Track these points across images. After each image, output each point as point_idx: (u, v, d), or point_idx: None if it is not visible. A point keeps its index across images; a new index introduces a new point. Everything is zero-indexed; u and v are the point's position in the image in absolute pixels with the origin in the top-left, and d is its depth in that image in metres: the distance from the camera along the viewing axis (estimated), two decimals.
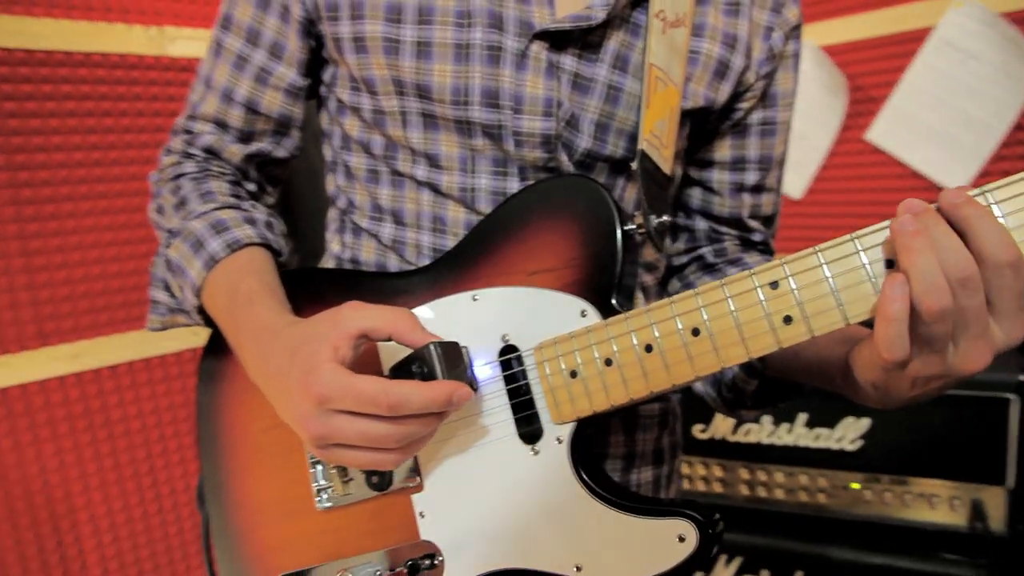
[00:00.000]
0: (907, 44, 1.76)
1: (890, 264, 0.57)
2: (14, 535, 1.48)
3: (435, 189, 0.81)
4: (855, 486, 1.45)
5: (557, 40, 0.75)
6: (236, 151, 0.87)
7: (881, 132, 1.85)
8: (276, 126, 0.88)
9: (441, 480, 0.75)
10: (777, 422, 1.51)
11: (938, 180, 1.77)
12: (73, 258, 1.53)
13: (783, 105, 0.87)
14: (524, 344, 0.72)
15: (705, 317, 0.63)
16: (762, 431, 1.53)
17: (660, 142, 0.77)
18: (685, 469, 1.61)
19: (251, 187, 0.91)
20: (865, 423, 1.43)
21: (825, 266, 0.59)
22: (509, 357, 0.72)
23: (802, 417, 1.48)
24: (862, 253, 0.58)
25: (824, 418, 1.47)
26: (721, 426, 1.57)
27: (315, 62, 0.87)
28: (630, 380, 0.67)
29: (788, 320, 0.60)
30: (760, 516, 1.53)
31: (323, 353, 0.62)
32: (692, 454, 1.60)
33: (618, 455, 0.86)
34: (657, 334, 0.65)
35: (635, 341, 0.66)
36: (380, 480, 0.76)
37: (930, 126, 1.77)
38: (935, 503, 1.39)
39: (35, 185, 1.49)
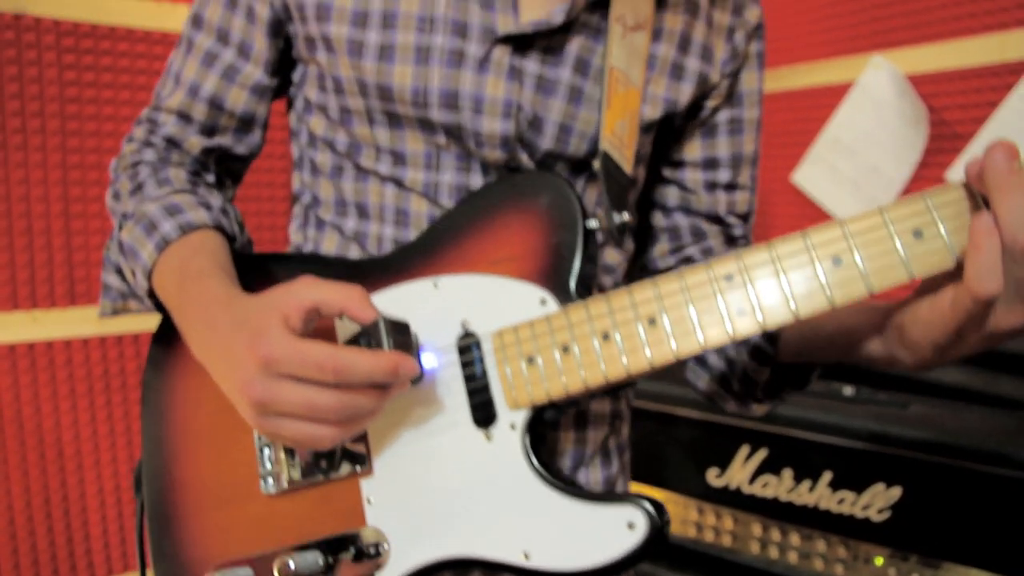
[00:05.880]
0: (1003, 77, 1.58)
1: (836, 262, 0.59)
2: (24, 482, 1.54)
3: (399, 184, 0.82)
4: (878, 561, 1.29)
5: (520, 44, 0.77)
6: (196, 142, 0.88)
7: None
8: (239, 123, 0.88)
9: (391, 465, 0.74)
10: (799, 478, 1.37)
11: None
12: (111, 224, 1.58)
13: (749, 103, 0.88)
14: (483, 330, 0.72)
15: (661, 307, 0.64)
16: (781, 485, 1.39)
17: (621, 142, 0.78)
18: (694, 515, 1.49)
19: (210, 179, 0.91)
20: (896, 493, 1.27)
21: (778, 261, 0.60)
22: (467, 343, 0.72)
23: (827, 476, 1.34)
24: (812, 249, 0.59)
25: (851, 480, 1.32)
26: (738, 474, 1.44)
27: (284, 62, 0.88)
28: (587, 367, 0.67)
29: (741, 313, 0.62)
30: None
31: (273, 319, 0.63)
32: (705, 500, 1.48)
33: (567, 452, 0.85)
34: (614, 322, 0.66)
35: (593, 329, 0.67)
36: (329, 464, 0.75)
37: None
38: None
39: (84, 151, 1.57)
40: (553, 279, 0.71)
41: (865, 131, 1.82)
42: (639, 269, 0.97)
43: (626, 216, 0.76)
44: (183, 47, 0.87)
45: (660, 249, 0.94)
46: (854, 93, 1.85)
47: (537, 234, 0.73)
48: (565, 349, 0.68)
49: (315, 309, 0.64)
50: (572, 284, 0.71)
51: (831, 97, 1.91)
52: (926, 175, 1.74)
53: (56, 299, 1.56)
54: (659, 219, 0.93)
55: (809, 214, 1.99)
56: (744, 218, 0.93)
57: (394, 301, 0.76)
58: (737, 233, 0.93)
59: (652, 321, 0.65)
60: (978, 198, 0.55)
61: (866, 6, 1.85)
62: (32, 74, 1.51)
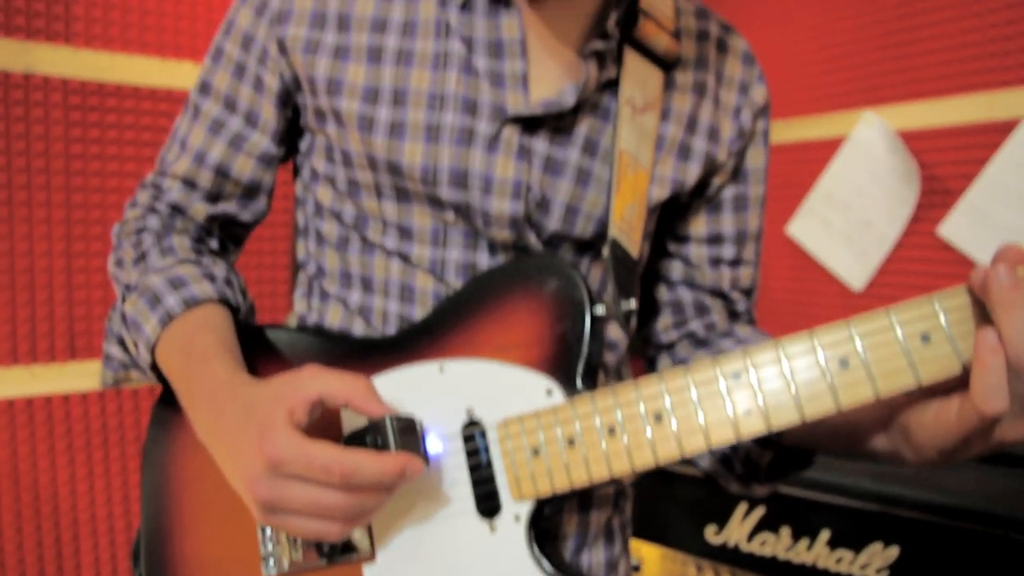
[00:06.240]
0: (991, 135, 1.61)
1: (844, 364, 0.58)
2: (17, 539, 1.53)
3: (404, 259, 0.82)
4: None
5: (529, 124, 0.77)
6: (201, 209, 0.88)
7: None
8: (244, 191, 0.88)
9: (394, 552, 0.73)
10: (797, 536, 1.36)
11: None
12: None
13: (754, 180, 0.88)
14: (488, 419, 0.72)
15: (668, 404, 0.64)
16: (779, 543, 1.38)
17: (629, 226, 0.78)
18: (692, 572, 1.48)
19: (214, 244, 0.91)
20: (894, 552, 1.27)
21: (785, 360, 0.60)
22: (472, 431, 0.72)
23: (825, 534, 1.33)
24: (819, 349, 0.59)
25: (849, 539, 1.31)
26: (736, 532, 1.43)
27: (292, 132, 0.88)
28: (592, 462, 0.67)
29: (748, 413, 0.62)
30: None
31: (279, 416, 0.63)
32: (703, 557, 1.47)
33: (571, 534, 0.84)
34: (620, 417, 0.66)
35: (599, 422, 0.67)
36: (331, 549, 0.74)
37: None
38: None
39: (88, 207, 1.59)
40: (559, 368, 0.71)
41: (858, 186, 1.85)
42: (641, 341, 0.97)
43: (633, 304, 0.76)
44: (189, 113, 0.87)
45: (663, 323, 0.93)
46: (846, 148, 1.88)
47: (544, 321, 0.73)
48: (571, 442, 0.68)
49: (320, 401, 0.64)
50: (579, 376, 0.71)
51: (824, 151, 1.95)
52: (918, 230, 1.76)
53: (56, 353, 1.56)
54: (663, 293, 0.93)
55: (804, 265, 2.01)
56: (747, 293, 0.93)
57: (399, 383, 0.75)
58: (740, 308, 0.93)
59: (659, 418, 0.64)
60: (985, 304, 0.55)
61: (858, 63, 1.89)
62: (39, 132, 1.54)
